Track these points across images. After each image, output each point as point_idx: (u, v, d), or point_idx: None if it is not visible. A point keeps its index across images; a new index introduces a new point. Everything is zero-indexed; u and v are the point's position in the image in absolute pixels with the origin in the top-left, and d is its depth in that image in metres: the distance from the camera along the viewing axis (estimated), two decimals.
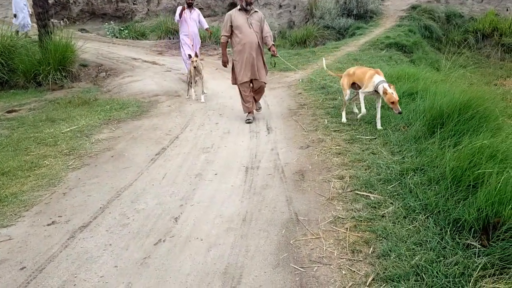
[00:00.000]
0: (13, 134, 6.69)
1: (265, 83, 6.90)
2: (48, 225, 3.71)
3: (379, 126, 5.54)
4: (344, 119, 6.13)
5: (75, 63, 11.63)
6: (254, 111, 6.98)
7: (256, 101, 7.05)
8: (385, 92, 5.17)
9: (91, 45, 14.31)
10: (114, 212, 3.89)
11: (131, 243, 3.35)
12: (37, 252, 3.29)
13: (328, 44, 15.32)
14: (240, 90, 6.87)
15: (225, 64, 6.86)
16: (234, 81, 6.88)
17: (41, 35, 11.21)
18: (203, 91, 8.47)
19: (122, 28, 20.29)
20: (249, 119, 6.77)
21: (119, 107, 8.18)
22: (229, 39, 6.73)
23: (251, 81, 6.79)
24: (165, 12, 22.16)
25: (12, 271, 3.07)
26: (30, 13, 15.42)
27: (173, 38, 17.75)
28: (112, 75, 11.66)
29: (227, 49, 7.05)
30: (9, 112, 8.50)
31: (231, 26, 6.56)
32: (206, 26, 10.33)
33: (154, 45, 16.74)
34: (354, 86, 6.07)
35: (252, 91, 6.93)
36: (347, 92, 6.11)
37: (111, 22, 21.35)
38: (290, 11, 20.87)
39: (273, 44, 6.60)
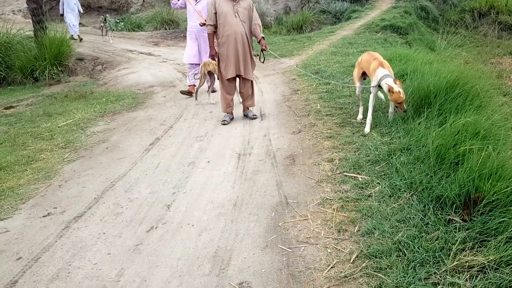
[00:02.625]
0: (10, 130, 6.77)
1: (251, 81, 6.14)
2: (43, 216, 3.80)
3: (390, 118, 5.03)
4: (359, 116, 5.40)
5: (71, 57, 11.69)
6: (249, 116, 6.27)
7: (247, 108, 6.35)
8: (391, 91, 4.51)
9: (87, 38, 14.36)
10: (108, 202, 3.97)
11: (124, 231, 3.43)
12: (33, 242, 3.39)
13: (324, 29, 15.29)
14: (220, 86, 6.22)
15: (213, 57, 6.09)
16: (219, 76, 6.17)
17: (36, 31, 11.24)
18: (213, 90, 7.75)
19: (118, 21, 20.23)
20: (224, 121, 6.10)
21: (114, 99, 8.25)
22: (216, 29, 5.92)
23: (237, 80, 6.20)
24: (161, 2, 22.05)
25: (9, 262, 3.16)
26: (81, 12, 15.34)
27: (168, 29, 17.75)
28: (108, 68, 11.71)
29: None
30: (6, 108, 8.58)
31: (216, 13, 5.75)
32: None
33: (150, 36, 16.74)
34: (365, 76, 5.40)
35: (241, 95, 6.34)
36: (357, 85, 5.41)
37: (107, 14, 21.27)
38: None
39: (262, 37, 5.89)
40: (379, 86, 4.79)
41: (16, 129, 6.70)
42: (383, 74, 4.67)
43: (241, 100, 6.55)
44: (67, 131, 6.31)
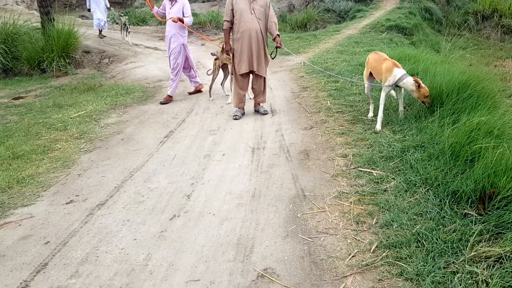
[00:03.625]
0: (22, 120, 6.86)
1: (264, 77, 6.21)
2: (66, 203, 3.91)
3: (401, 116, 5.10)
4: (370, 114, 5.49)
5: (78, 49, 11.74)
6: (260, 112, 6.37)
7: (258, 103, 6.46)
8: (420, 87, 4.58)
9: (92, 32, 14.40)
10: (128, 191, 4.08)
11: (147, 219, 3.54)
12: (59, 228, 3.49)
13: (329, 28, 15.39)
14: (234, 81, 6.36)
15: (228, 52, 6.23)
16: (233, 71, 6.32)
17: (43, 22, 11.28)
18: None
19: (122, 14, 20.25)
20: (236, 115, 6.25)
21: (124, 92, 8.34)
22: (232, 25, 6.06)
23: (250, 76, 6.27)
24: None
25: (37, 245, 3.26)
26: (108, 7, 14.53)
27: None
28: (115, 61, 11.78)
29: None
30: (15, 98, 8.65)
31: (233, 10, 5.91)
32: (186, 18, 7.33)
33: (155, 30, 16.81)
34: (372, 76, 5.42)
35: (253, 91, 6.45)
36: (366, 84, 5.50)
37: (111, 8, 21.27)
38: None
39: (278, 34, 5.95)
40: (397, 86, 4.84)
41: (28, 120, 6.79)
42: (402, 74, 4.74)
43: (251, 96, 6.67)
44: (80, 122, 6.41)
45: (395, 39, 12.07)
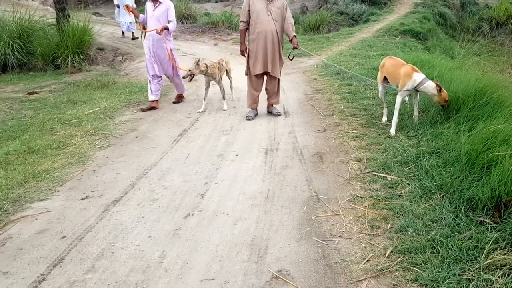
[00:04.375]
0: (37, 115, 6.94)
1: (278, 79, 6.22)
2: (82, 199, 3.95)
3: (416, 121, 5.09)
4: (384, 119, 5.48)
5: (93, 46, 11.83)
6: (273, 113, 6.35)
7: (271, 105, 6.43)
8: (440, 91, 4.59)
9: (106, 29, 14.50)
10: (143, 188, 4.12)
11: (162, 216, 3.57)
12: (75, 223, 3.53)
13: (342, 30, 15.37)
14: (248, 82, 6.31)
15: (243, 53, 6.17)
16: (248, 71, 6.25)
17: (59, 18, 11.39)
18: (223, 96, 6.89)
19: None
20: (249, 116, 6.24)
21: (138, 90, 8.40)
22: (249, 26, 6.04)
23: (265, 77, 6.25)
24: None
25: (54, 240, 3.31)
26: (135, 7, 13.25)
27: (186, 23, 17.86)
28: (128, 59, 11.85)
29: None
30: (30, 93, 8.74)
31: (249, 11, 5.89)
32: (170, 23, 6.77)
33: None
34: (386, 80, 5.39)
35: (266, 92, 6.35)
36: (380, 88, 5.52)
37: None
38: None
39: (294, 36, 5.94)
40: (416, 90, 4.81)
41: (43, 115, 6.86)
42: (422, 78, 4.71)
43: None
44: (95, 118, 6.46)
45: (408, 43, 12.01)
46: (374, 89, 6.91)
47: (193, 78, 6.83)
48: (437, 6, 16.97)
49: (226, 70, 7.13)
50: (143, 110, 6.93)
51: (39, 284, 2.78)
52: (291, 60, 6.40)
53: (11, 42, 10.70)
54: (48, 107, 7.46)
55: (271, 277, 2.76)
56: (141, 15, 6.96)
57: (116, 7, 13.72)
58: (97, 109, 7.01)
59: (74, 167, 4.72)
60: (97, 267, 2.93)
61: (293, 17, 6.35)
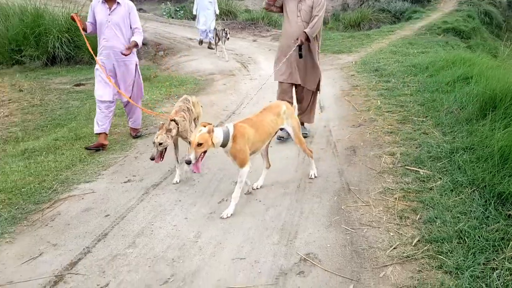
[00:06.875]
0: (83, 105, 7.32)
1: (313, 91, 5.24)
2: (124, 182, 4.21)
3: None
4: None
5: None
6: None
7: (302, 123, 5.24)
8: None
9: (149, 25, 14.95)
10: (181, 175, 4.32)
11: (198, 200, 3.76)
12: (118, 203, 3.78)
13: (383, 28, 15.19)
14: (278, 88, 5.31)
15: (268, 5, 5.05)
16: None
17: None
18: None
19: (178, 9, 20.86)
20: (281, 137, 5.19)
21: (178, 83, 8.67)
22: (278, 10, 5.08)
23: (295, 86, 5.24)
24: None
25: (98, 218, 3.56)
26: (217, 13, 12.60)
27: (226, 20, 18.13)
28: (169, 54, 12.18)
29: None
30: (77, 85, 9.20)
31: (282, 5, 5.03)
32: (136, 34, 5.15)
33: None
34: None
35: (298, 105, 5.31)
36: None
37: (168, 2, 21.95)
38: None
39: (304, 32, 4.76)
40: None
41: (89, 105, 7.22)
42: None
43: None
44: None
45: (451, 42, 11.77)
46: (412, 86, 6.87)
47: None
48: (483, 5, 16.49)
49: (194, 118, 4.86)
50: (87, 148, 5.09)
51: (84, 256, 3.03)
52: (300, 58, 4.96)
53: (60, 36, 11.18)
54: (94, 98, 7.82)
55: (299, 259, 2.88)
56: (88, 25, 5.10)
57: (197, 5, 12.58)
58: None
59: (117, 153, 5.00)
60: (137, 243, 3.15)
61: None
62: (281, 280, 2.69)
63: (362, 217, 3.38)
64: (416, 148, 4.55)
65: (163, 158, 3.93)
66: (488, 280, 2.45)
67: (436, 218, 3.15)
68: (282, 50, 5.11)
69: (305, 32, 4.75)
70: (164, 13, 20.62)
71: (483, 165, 3.70)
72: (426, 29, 13.41)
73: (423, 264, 2.70)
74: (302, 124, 5.29)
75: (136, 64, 5.46)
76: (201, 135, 3.26)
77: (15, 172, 4.54)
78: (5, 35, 10.64)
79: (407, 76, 7.54)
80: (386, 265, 2.75)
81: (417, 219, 3.25)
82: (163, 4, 21.96)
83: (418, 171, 4.01)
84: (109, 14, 4.97)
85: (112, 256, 3.01)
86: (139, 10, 21.49)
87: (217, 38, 11.52)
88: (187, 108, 4.49)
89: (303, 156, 4.70)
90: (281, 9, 5.08)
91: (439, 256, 2.74)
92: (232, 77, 9.33)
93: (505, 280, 2.42)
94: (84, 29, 5.04)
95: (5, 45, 10.65)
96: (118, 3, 5.00)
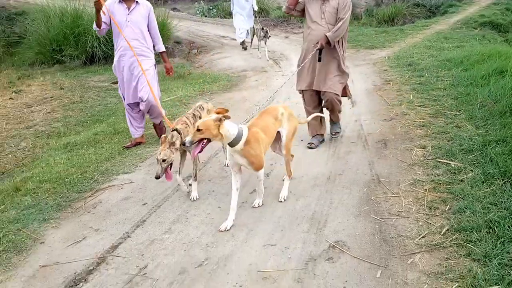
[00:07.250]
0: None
1: (337, 95, 4.83)
2: None
3: None
4: None
5: (170, 40, 12.52)
6: (327, 134, 5.20)
7: (331, 120, 5.19)
8: None
9: (183, 24, 15.23)
10: (214, 167, 4.49)
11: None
12: (154, 193, 3.97)
13: (417, 22, 14.92)
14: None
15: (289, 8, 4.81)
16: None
17: None
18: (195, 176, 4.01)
19: (211, 7, 21.12)
20: (311, 143, 4.98)
21: (211, 80, 8.86)
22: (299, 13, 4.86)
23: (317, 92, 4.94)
24: None
25: (136, 206, 3.76)
26: (255, 9, 12.00)
27: (258, 17, 18.22)
28: (203, 52, 12.41)
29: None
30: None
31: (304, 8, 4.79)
32: (159, 44, 5.46)
33: None
34: None
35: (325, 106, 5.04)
36: None
37: (201, 1, 22.24)
38: None
39: (326, 35, 4.52)
40: None
41: None
42: None
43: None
44: (172, 105, 6.98)
45: (488, 35, 11.48)
46: (446, 80, 6.78)
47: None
48: None
49: None
50: (126, 147, 5.28)
51: (124, 240, 3.22)
52: (319, 61, 4.70)
53: (97, 36, 11.60)
54: None
55: (329, 246, 2.97)
56: (103, 24, 4.84)
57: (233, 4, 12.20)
58: (174, 97, 7.54)
59: (154, 146, 5.20)
60: (173, 229, 3.32)
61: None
62: (310, 265, 2.78)
63: (392, 208, 3.42)
64: (448, 141, 4.54)
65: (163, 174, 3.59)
66: None
67: (466, 208, 3.17)
68: (304, 63, 4.80)
69: (326, 35, 4.54)
70: (198, 12, 20.91)
71: None
72: (462, 23, 13.11)
73: (451, 252, 2.74)
74: (334, 122, 5.20)
75: (155, 64, 5.43)
76: (204, 121, 3.07)
77: (58, 164, 4.82)
78: (46, 36, 11.09)
79: (441, 71, 7.44)
80: (414, 253, 2.80)
81: (446, 209, 3.27)
82: (196, 3, 22.28)
83: (449, 163, 4.01)
84: (128, 14, 4.87)
85: (150, 240, 3.18)
86: (173, 9, 21.90)
87: (254, 37, 11.29)
88: (194, 115, 4.16)
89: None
90: (302, 13, 4.85)
91: (467, 244, 2.77)
92: (264, 73, 9.45)
93: None
94: (99, 25, 4.83)
95: (47, 45, 11.11)
96: (137, 2, 4.91)
